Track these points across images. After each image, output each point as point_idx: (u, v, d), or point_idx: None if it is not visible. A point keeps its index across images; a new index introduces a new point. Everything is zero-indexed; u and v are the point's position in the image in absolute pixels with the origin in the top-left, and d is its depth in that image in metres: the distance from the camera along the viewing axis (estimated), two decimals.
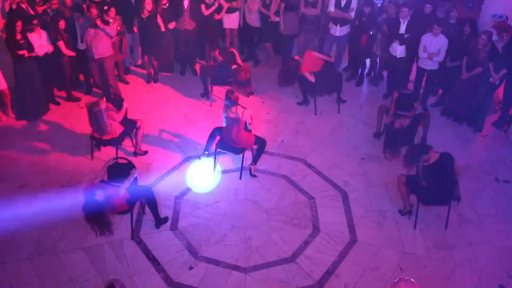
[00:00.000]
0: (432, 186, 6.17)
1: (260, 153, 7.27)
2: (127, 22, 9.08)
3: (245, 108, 6.94)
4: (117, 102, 7.47)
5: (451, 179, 6.22)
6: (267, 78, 9.72)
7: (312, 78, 8.55)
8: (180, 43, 9.64)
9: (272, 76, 9.44)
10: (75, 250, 6.00)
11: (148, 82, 9.69)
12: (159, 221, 6.37)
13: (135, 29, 9.32)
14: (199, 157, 7.50)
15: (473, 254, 6.15)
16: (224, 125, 7.11)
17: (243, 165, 7.29)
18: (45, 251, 5.99)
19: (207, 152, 7.38)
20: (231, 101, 6.80)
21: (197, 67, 9.84)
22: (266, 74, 9.94)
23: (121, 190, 5.82)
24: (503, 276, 5.89)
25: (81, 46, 8.61)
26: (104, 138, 7.11)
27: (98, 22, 8.06)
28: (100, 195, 5.53)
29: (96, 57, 8.33)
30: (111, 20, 8.35)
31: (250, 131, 7.12)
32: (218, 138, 7.25)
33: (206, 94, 9.12)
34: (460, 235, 6.41)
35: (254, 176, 7.24)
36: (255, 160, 7.28)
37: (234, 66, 8.70)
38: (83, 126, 7.91)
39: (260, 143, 7.22)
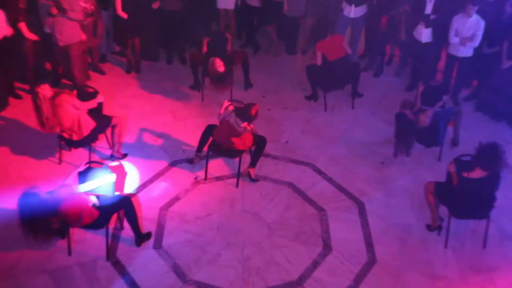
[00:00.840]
0: (468, 197, 6.10)
1: (260, 154, 7.25)
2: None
3: (247, 130, 6.86)
4: (90, 97, 7.42)
5: (492, 194, 6.16)
6: (269, 68, 9.73)
7: (319, 61, 8.56)
8: (165, 26, 9.62)
9: (275, 66, 9.45)
10: (37, 273, 5.93)
11: (128, 72, 9.69)
12: (140, 238, 6.31)
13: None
14: (189, 160, 7.50)
15: None
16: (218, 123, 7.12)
17: (240, 170, 7.27)
18: (1, 274, 5.92)
19: (199, 154, 7.35)
20: (249, 116, 6.70)
21: (187, 55, 9.85)
22: (267, 63, 9.98)
23: (76, 189, 5.70)
24: None
25: (47, 29, 8.52)
26: (74, 138, 7.01)
27: (54, 11, 7.97)
28: (43, 196, 5.36)
29: (60, 44, 8.27)
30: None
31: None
32: (211, 138, 7.24)
33: (197, 87, 9.06)
34: (502, 255, 6.35)
35: (255, 181, 7.23)
36: (253, 163, 7.26)
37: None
38: None
39: (259, 142, 7.19)
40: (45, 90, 6.74)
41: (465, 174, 5.97)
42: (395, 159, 7.69)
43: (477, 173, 5.93)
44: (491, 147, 5.87)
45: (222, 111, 6.96)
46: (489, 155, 5.84)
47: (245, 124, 6.76)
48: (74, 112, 6.90)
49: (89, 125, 7.05)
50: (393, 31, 9.22)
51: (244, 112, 6.73)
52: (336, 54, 8.68)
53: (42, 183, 6.91)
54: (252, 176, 7.24)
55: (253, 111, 6.70)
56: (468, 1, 8.06)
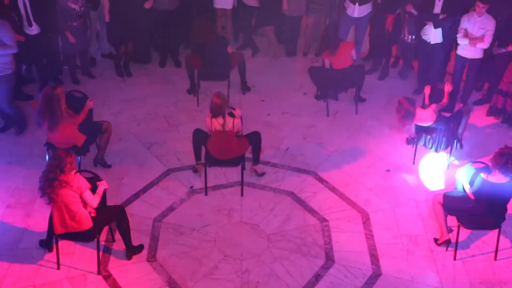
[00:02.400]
0: (479, 206, 6.14)
1: (259, 149, 7.39)
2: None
3: (234, 116, 6.95)
4: (79, 102, 7.41)
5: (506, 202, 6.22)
6: (268, 70, 9.75)
7: (327, 65, 8.62)
8: (158, 26, 9.66)
9: (274, 68, 9.46)
10: None
11: (119, 75, 9.69)
12: (132, 250, 6.34)
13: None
14: (193, 169, 7.56)
15: None
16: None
17: (238, 179, 7.30)
18: None
19: (200, 162, 7.41)
20: (218, 109, 6.81)
21: (183, 57, 9.82)
22: (266, 66, 9.99)
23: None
24: None
25: (31, 30, 8.54)
26: (63, 146, 7.04)
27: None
28: None
29: None
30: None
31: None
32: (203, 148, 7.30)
33: (193, 91, 9.12)
34: None
35: (263, 174, 7.45)
36: (256, 159, 7.44)
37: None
38: (37, 131, 7.93)
39: (254, 139, 7.30)
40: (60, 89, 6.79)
41: (484, 176, 6.03)
42: (401, 167, 7.73)
43: (496, 178, 5.99)
44: None
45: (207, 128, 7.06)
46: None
47: (226, 119, 6.84)
48: (69, 129, 6.95)
49: (80, 138, 7.09)
50: (400, 31, 9.25)
51: (215, 110, 6.80)
52: (343, 63, 8.63)
53: (29, 194, 7.04)
54: (259, 172, 7.45)
55: (214, 99, 6.77)
56: None
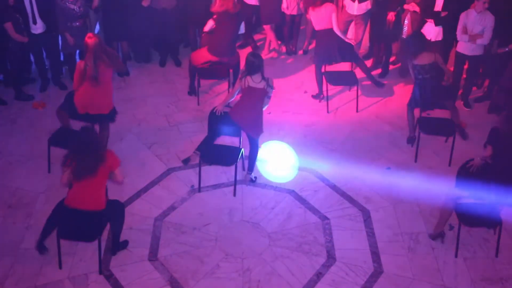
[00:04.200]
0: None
1: (254, 157, 7.33)
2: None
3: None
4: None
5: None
6: (268, 69, 9.69)
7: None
8: (157, 25, 9.66)
9: (274, 67, 9.48)
10: None
11: (119, 75, 9.68)
12: (117, 246, 6.37)
13: None
14: (184, 160, 7.66)
15: None
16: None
17: (237, 178, 7.34)
18: None
19: (198, 152, 7.44)
20: (256, 65, 6.98)
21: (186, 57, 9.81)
22: (266, 65, 9.87)
23: None
24: None
25: (35, 30, 8.61)
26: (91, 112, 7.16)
27: None
28: None
29: None
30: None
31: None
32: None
33: (193, 92, 9.15)
34: None
35: (254, 180, 7.37)
36: (250, 168, 7.40)
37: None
38: (38, 131, 7.99)
39: (253, 151, 7.27)
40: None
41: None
42: (402, 164, 7.78)
43: None
44: None
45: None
46: None
47: (259, 77, 7.01)
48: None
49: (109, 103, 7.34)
50: (400, 29, 9.22)
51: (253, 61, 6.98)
52: (324, 24, 8.72)
53: (31, 194, 7.09)
54: (253, 178, 7.41)
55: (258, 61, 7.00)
56: None
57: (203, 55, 8.75)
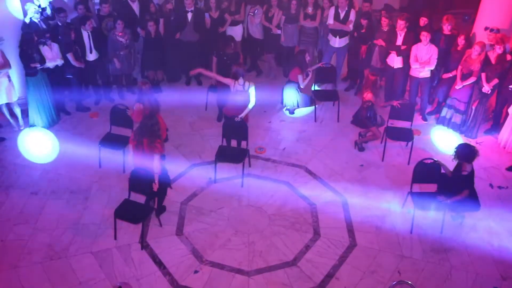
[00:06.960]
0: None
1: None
2: (133, 33, 9.21)
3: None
4: (122, 112, 7.53)
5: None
6: (269, 88, 9.72)
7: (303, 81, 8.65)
8: (184, 54, 9.66)
9: (274, 86, 9.48)
10: (84, 255, 6.07)
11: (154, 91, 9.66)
12: (160, 209, 6.54)
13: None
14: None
15: (468, 257, 6.18)
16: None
17: (244, 172, 7.35)
18: (56, 255, 6.06)
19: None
20: (239, 73, 7.23)
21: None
22: (267, 84, 9.95)
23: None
24: (497, 278, 5.93)
25: (90, 57, 8.70)
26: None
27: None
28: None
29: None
30: (120, 34, 8.51)
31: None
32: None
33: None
34: (455, 239, 6.43)
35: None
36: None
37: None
38: (92, 135, 8.09)
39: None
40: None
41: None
42: (371, 162, 7.77)
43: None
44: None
45: None
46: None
47: (241, 81, 7.28)
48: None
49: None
50: (371, 59, 9.20)
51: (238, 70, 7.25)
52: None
53: (87, 183, 7.14)
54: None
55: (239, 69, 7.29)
56: (423, 30, 8.20)
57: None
